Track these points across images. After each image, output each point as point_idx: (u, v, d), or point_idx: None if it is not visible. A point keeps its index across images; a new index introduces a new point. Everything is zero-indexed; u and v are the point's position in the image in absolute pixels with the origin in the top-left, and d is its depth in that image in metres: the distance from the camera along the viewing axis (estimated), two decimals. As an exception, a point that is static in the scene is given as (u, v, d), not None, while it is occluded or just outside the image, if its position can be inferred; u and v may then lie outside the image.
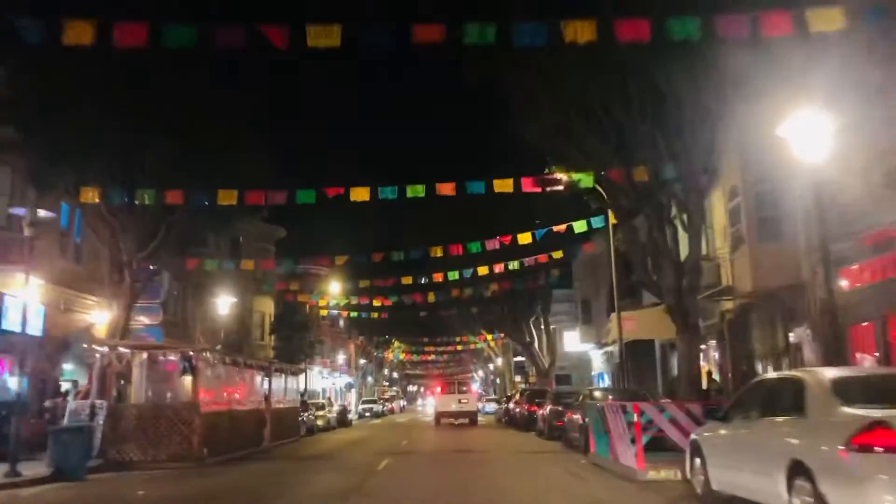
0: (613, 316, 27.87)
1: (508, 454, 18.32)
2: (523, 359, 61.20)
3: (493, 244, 23.32)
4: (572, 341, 44.34)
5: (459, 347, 65.39)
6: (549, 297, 40.01)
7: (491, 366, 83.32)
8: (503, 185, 16.86)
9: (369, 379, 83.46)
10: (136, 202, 15.97)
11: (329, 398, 63.28)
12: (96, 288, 22.88)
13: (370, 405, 58.00)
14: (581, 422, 17.79)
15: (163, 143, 16.36)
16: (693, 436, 9.75)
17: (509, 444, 21.88)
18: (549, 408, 23.18)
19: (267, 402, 23.63)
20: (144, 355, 17.32)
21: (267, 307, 41.84)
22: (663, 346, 30.73)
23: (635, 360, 35.88)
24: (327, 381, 64.14)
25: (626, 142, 17.66)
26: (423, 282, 29.10)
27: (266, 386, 25.60)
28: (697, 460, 9.37)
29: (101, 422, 16.75)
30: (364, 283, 30.25)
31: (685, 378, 18.52)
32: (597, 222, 23.68)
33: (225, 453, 18.75)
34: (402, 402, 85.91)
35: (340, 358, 62.27)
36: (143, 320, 25.29)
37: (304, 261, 27.44)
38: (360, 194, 15.85)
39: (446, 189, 16.22)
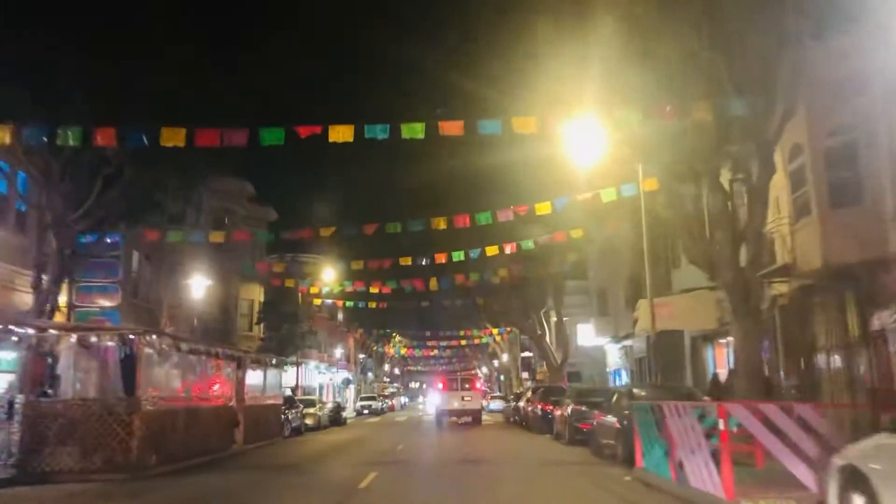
0: (642, 303, 24.19)
1: (527, 466, 14.67)
2: (530, 354, 57.62)
3: (505, 214, 19.67)
4: (586, 335, 40.64)
5: (463, 342, 61.69)
6: (563, 285, 36.30)
7: (496, 362, 79.64)
8: (523, 125, 13.19)
9: (370, 375, 79.89)
10: (59, 143, 12.31)
11: (319, 395, 60.14)
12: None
13: (368, 402, 54.40)
14: (618, 426, 14.18)
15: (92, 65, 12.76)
16: (845, 459, 6.09)
17: (524, 452, 18.24)
18: (570, 408, 19.54)
19: (240, 399, 20.04)
20: (73, 338, 13.70)
21: (255, 294, 38.26)
22: (694, 339, 27.00)
23: (658, 356, 32.25)
24: (324, 377, 60.54)
25: (679, 77, 14.02)
26: (424, 263, 25.42)
27: (250, 380, 22.08)
28: (859, 499, 5.73)
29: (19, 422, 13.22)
30: (358, 264, 26.55)
31: (745, 373, 14.84)
32: (628, 190, 19.97)
33: (181, 460, 15.18)
34: (404, 400, 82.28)
35: (338, 352, 58.58)
36: (100, 302, 21.76)
37: (289, 235, 23.57)
38: (341, 133, 12.23)
39: (452, 128, 12.56)
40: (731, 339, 25.27)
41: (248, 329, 38.63)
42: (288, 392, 40.37)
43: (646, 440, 11.48)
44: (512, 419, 35.08)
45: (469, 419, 32.60)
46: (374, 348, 70.90)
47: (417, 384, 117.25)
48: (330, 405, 36.97)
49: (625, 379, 36.67)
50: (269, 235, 27.80)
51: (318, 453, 18.75)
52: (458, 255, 24.95)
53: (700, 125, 14.11)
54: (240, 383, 20.17)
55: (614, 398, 15.63)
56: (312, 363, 56.02)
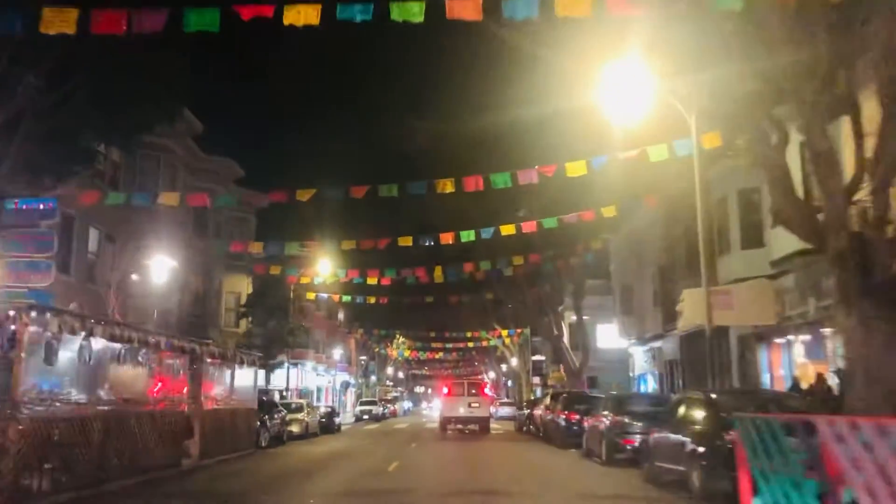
0: (689, 293, 19.97)
1: (565, 501, 10.43)
2: (542, 358, 53.33)
3: (528, 175, 15.51)
4: (607, 337, 36.42)
5: (470, 344, 57.43)
6: (584, 281, 32.06)
7: (503, 366, 75.27)
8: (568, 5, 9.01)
9: (372, 378, 75.72)
10: None
11: (317, 398, 55.93)
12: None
13: (369, 407, 50.19)
14: (694, 448, 9.96)
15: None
16: None
17: (553, 475, 14.01)
18: (607, 419, 15.30)
19: (196, 402, 15.89)
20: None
21: (243, 287, 34.17)
22: (743, 338, 22.69)
23: (693, 358, 28.00)
24: (323, 379, 56.40)
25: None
26: (427, 244, 21.27)
27: (217, 379, 17.99)
28: None
29: None
30: (350, 243, 22.32)
31: (866, 377, 10.56)
32: (683, 147, 15.79)
33: (92, 484, 11.03)
34: (407, 405, 78.00)
35: (338, 353, 54.40)
36: (33, 282, 17.62)
37: (255, 198, 19.43)
38: (302, 16, 8.15)
39: (466, 9, 8.44)
40: (794, 337, 21.16)
41: (234, 325, 34.56)
42: (278, 394, 36.36)
43: (763, 473, 7.26)
44: (525, 428, 30.88)
45: (476, 428, 28.98)
46: (377, 350, 66.65)
47: (423, 389, 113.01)
48: (323, 410, 32.81)
49: (651, 385, 32.37)
50: (232, 198, 23.41)
51: (287, 473, 14.56)
52: (468, 235, 20.76)
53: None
54: (196, 383, 16.01)
55: (682, 408, 11.37)
56: (309, 364, 51.88)
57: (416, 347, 67.32)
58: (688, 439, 10.21)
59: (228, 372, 18.51)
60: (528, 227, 20.61)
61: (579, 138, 17.76)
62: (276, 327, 33.15)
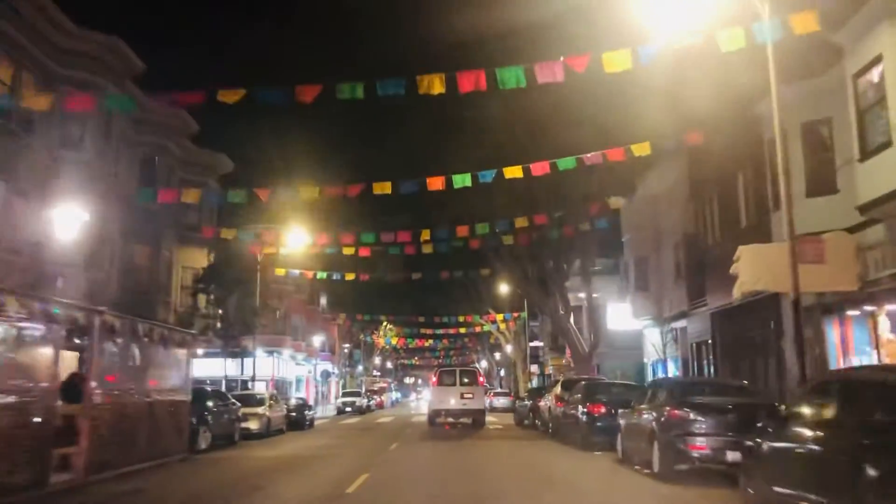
0: (748, 251, 15.35)
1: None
2: (540, 344, 48.89)
3: (548, 72, 10.83)
4: (618, 317, 31.83)
5: (462, 330, 52.82)
6: (594, 248, 27.42)
7: (497, 355, 70.83)
8: None
9: (360, 368, 71.06)
10: None
11: (296, 389, 51.26)
12: None
13: (352, 399, 45.51)
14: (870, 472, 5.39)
15: None
16: None
17: (599, 501, 9.43)
18: (662, 415, 10.69)
19: (84, 395, 11.21)
20: None
21: (201, 262, 29.35)
22: (806, 311, 18.13)
23: (723, 340, 23.54)
24: (302, 369, 51.72)
25: None
26: (411, 190, 16.56)
27: (140, 363, 13.37)
28: None
29: None
30: (311, 191, 17.44)
31: None
32: (762, 33, 11.18)
33: None
34: (395, 396, 73.39)
35: (316, 340, 49.67)
36: None
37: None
38: None
39: None
40: (875, 308, 16.74)
41: (191, 305, 29.69)
42: (248, 385, 31.66)
43: None
44: (527, 422, 26.40)
45: (469, 421, 25.29)
46: (362, 337, 61.89)
47: (413, 379, 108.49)
48: (293, 402, 28.15)
49: (671, 371, 27.92)
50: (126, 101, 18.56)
51: (195, 497, 9.92)
52: (462, 180, 16.13)
53: None
54: (86, 367, 11.32)
55: (827, 400, 6.73)
56: (287, 352, 47.21)
57: (404, 334, 62.63)
58: (858, 455, 5.62)
59: (148, 354, 13.78)
60: (540, 168, 15.97)
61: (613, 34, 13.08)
62: (239, 306, 28.45)
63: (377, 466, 13.17)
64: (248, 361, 46.78)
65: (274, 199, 19.93)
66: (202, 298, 28.76)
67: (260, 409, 22.17)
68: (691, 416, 10.06)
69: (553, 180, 19.98)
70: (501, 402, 46.30)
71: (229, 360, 45.80)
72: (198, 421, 16.47)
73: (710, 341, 23.83)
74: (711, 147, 21.33)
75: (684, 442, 9.98)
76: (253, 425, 21.57)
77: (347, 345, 59.87)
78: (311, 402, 48.71)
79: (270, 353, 46.01)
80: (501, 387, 63.89)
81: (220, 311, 27.41)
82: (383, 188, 16.30)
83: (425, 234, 21.69)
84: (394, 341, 66.99)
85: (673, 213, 26.97)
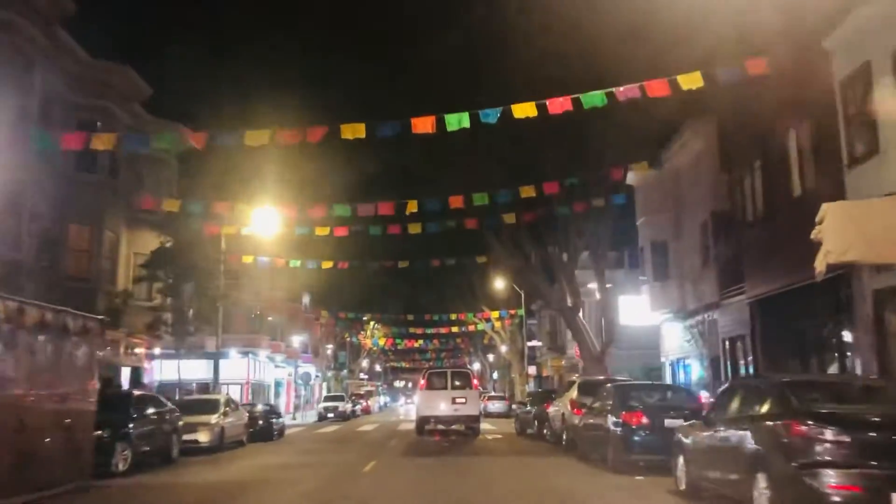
0: (832, 208, 11.50)
1: None
2: (539, 344, 45.08)
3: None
4: (630, 312, 28.03)
5: (455, 329, 48.88)
6: (609, 228, 23.56)
7: (491, 356, 66.96)
8: None
9: (345, 371, 66.97)
10: None
11: (275, 393, 47.23)
12: None
13: (334, 404, 41.48)
14: None
15: None
16: None
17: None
18: (778, 430, 6.79)
19: None
20: None
21: (151, 246, 25.26)
22: (880, 296, 14.34)
23: (765, 333, 19.78)
24: (282, 371, 47.68)
25: None
26: (394, 131, 12.66)
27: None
28: None
29: None
30: (257, 134, 13.47)
31: None
32: None
33: None
34: (383, 400, 69.25)
35: (298, 341, 45.65)
36: None
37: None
38: None
39: None
40: None
41: (146, 296, 25.60)
42: (212, 389, 27.81)
43: None
44: (530, 431, 22.59)
45: (462, 428, 22.56)
46: (347, 338, 57.81)
47: (403, 383, 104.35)
48: (259, 409, 24.17)
49: (696, 373, 24.16)
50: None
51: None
52: (457, 121, 12.26)
53: None
54: None
55: None
56: (263, 353, 43.16)
57: (392, 334, 58.62)
58: None
59: (22, 346, 9.80)
60: (558, 105, 12.13)
61: None
62: (197, 298, 24.42)
63: (341, 502, 9.24)
64: (221, 363, 42.88)
65: (225, 160, 16.13)
66: (151, 287, 24.70)
67: (212, 418, 18.20)
68: (830, 434, 6.21)
69: (568, 140, 16.25)
70: (497, 406, 42.60)
71: (200, 363, 41.98)
72: (112, 436, 12.52)
73: (748, 336, 20.03)
74: (750, 103, 17.67)
75: (818, 477, 6.13)
76: (202, 437, 17.63)
77: (330, 345, 55.75)
78: (286, 408, 44.99)
79: (245, 353, 42.00)
80: (496, 390, 60.01)
81: (172, 302, 23.34)
82: (355, 131, 12.41)
83: (412, 206, 17.76)
84: (381, 342, 62.95)
85: (699, 189, 23.25)
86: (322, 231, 21.15)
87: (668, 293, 25.12)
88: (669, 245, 25.21)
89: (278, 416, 24.40)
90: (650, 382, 16.89)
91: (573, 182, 18.86)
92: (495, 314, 42.54)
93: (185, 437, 16.50)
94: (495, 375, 71.04)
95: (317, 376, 56.58)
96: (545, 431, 19.32)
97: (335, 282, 49.91)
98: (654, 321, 26.83)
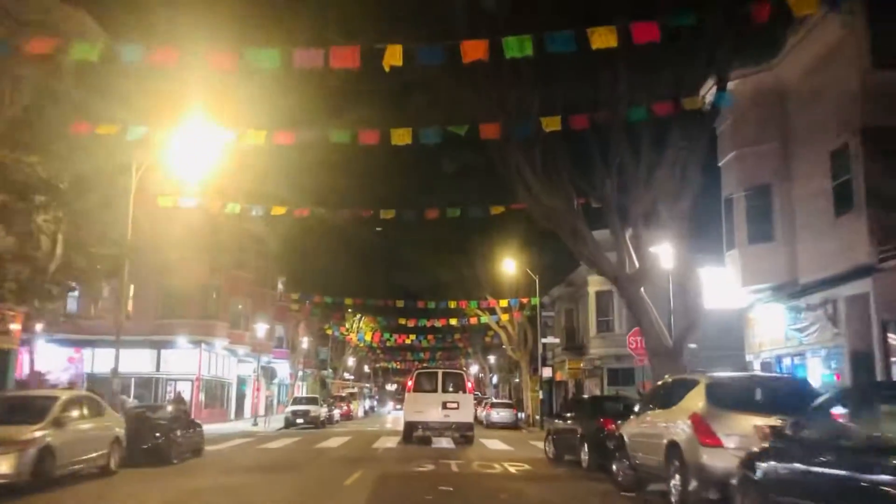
0: None
1: None
2: (556, 341, 36.90)
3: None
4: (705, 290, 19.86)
5: (454, 321, 40.51)
6: (698, 159, 15.26)
7: (492, 357, 58.63)
8: None
9: (328, 371, 58.59)
10: None
11: (240, 391, 38.87)
12: None
13: (305, 407, 33.07)
14: None
15: None
16: None
17: None
18: None
19: None
20: None
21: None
22: None
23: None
24: (248, 367, 39.35)
25: None
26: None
27: None
28: None
29: None
30: None
31: None
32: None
33: None
34: (369, 404, 60.69)
35: (260, 329, 37.36)
36: None
37: None
38: None
39: None
40: None
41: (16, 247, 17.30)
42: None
43: None
44: (569, 457, 14.60)
45: (457, 436, 20.65)
46: (327, 329, 49.35)
47: (395, 386, 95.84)
48: (161, 414, 15.87)
49: (817, 375, 15.98)
50: None
51: None
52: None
53: None
54: None
55: None
56: (219, 343, 34.89)
57: (380, 327, 50.23)
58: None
59: None
60: None
61: None
62: (85, 251, 16.17)
63: None
64: (169, 354, 34.76)
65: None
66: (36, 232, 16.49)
67: (26, 432, 10.01)
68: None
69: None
70: (503, 415, 34.55)
71: (141, 353, 33.77)
72: None
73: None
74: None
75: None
76: (3, 467, 9.48)
77: (304, 339, 47.33)
78: (253, 411, 36.57)
79: (196, 343, 33.81)
80: (498, 396, 51.77)
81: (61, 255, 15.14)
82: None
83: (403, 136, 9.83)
84: (368, 337, 54.53)
85: (825, 104, 15.34)
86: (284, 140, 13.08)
87: (769, 260, 17.05)
88: (774, 190, 17.13)
89: (193, 426, 16.11)
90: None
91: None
92: (504, 302, 34.35)
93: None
94: (494, 379, 62.78)
95: (300, 374, 48.23)
96: (616, 467, 11.11)
97: (315, 265, 41.93)
98: (738, 304, 18.76)
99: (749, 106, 17.38)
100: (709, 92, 15.20)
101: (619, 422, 12.58)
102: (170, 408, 16.00)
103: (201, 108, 16.12)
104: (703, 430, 8.02)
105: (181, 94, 16.26)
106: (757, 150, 17.43)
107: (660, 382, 10.33)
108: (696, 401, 8.51)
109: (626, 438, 10.75)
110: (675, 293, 17.72)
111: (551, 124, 13.32)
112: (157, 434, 14.28)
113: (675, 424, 8.67)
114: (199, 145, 17.09)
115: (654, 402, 10.18)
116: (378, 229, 41.63)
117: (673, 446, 8.60)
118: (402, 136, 13.01)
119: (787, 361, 17.34)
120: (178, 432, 14.86)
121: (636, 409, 11.03)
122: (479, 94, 14.16)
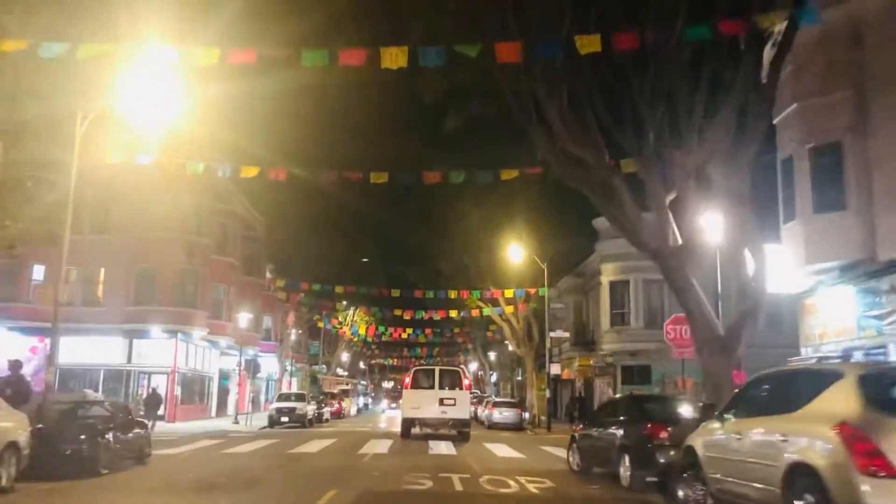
0: None
1: None
2: (565, 335, 33.89)
3: None
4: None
5: (454, 314, 37.39)
6: (765, 111, 12.17)
7: (492, 354, 55.59)
8: None
9: (320, 366, 55.48)
10: None
11: (222, 385, 35.75)
12: None
13: (291, 405, 30.04)
14: None
15: None
16: None
17: None
18: None
19: None
20: None
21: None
22: None
23: None
24: (231, 360, 36.21)
25: None
26: None
27: None
28: None
29: None
30: None
31: None
32: None
33: None
34: (362, 401, 57.47)
35: (243, 319, 34.30)
36: None
37: None
38: None
39: None
40: None
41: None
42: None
43: None
44: (598, 469, 11.58)
45: (454, 433, 20.52)
46: (318, 321, 46.19)
47: (392, 384, 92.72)
48: (85, 415, 12.81)
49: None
50: None
51: None
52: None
53: None
54: None
55: None
56: (198, 333, 31.81)
57: (375, 320, 47.10)
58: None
59: None
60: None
61: None
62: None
63: None
64: (142, 344, 31.73)
65: None
66: None
67: None
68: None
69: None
70: (506, 415, 31.58)
71: (112, 341, 30.72)
72: None
73: None
74: None
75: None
76: None
77: (293, 331, 44.20)
78: (241, 407, 33.28)
79: (172, 333, 30.74)
80: (498, 394, 48.75)
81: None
82: None
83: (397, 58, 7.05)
84: (362, 331, 51.39)
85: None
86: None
87: (840, 233, 14.03)
88: (846, 148, 14.10)
89: (136, 426, 13.05)
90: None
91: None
92: (509, 292, 31.32)
93: None
94: (494, 377, 59.74)
95: (290, 370, 45.13)
96: (682, 491, 8.05)
97: (307, 252, 38.90)
98: (795, 287, 15.74)
99: (814, 48, 14.36)
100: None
101: (671, 428, 9.66)
102: (97, 410, 12.91)
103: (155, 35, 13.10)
104: (862, 449, 5.03)
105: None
106: (825, 100, 14.36)
107: (763, 373, 7.25)
108: (841, 402, 5.47)
109: (698, 453, 7.70)
110: (724, 274, 14.70)
111: (588, 45, 10.26)
112: (82, 437, 11.23)
113: (804, 438, 5.62)
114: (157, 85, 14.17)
115: (749, 403, 7.13)
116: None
117: (800, 471, 5.56)
118: (394, 58, 9.98)
119: (858, 355, 14.34)
120: (111, 435, 11.78)
121: (713, 412, 7.97)
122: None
